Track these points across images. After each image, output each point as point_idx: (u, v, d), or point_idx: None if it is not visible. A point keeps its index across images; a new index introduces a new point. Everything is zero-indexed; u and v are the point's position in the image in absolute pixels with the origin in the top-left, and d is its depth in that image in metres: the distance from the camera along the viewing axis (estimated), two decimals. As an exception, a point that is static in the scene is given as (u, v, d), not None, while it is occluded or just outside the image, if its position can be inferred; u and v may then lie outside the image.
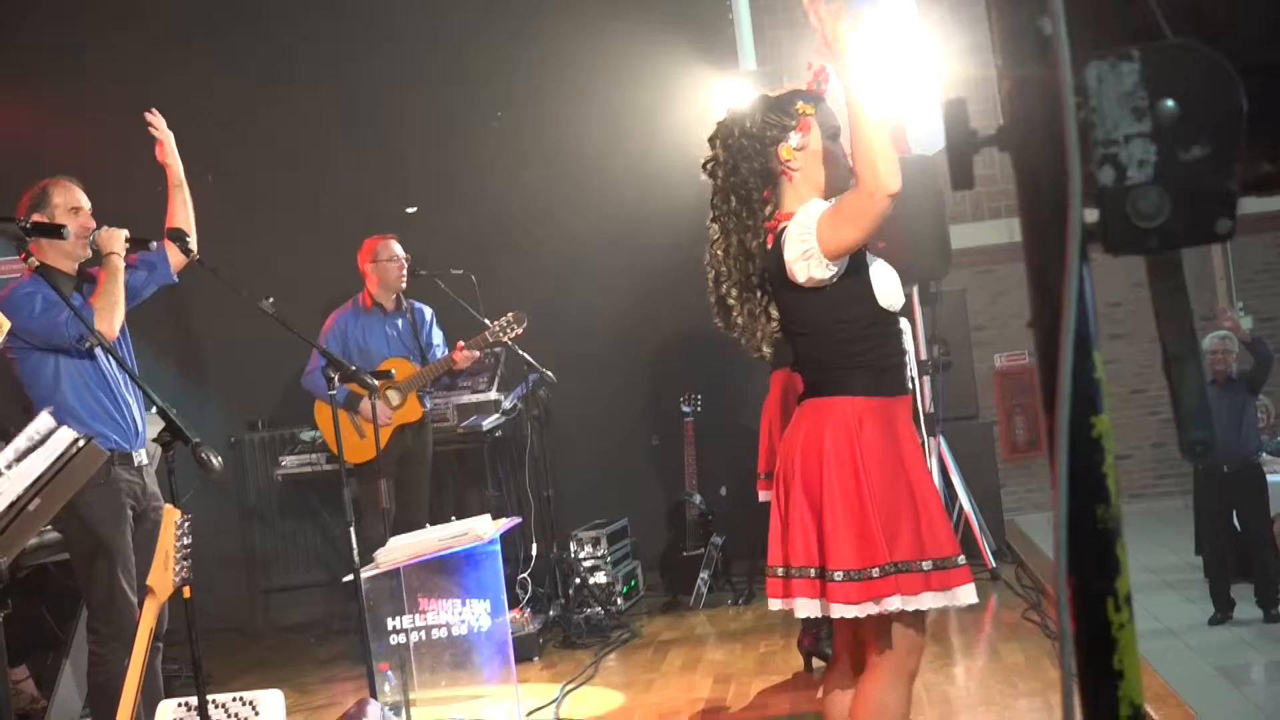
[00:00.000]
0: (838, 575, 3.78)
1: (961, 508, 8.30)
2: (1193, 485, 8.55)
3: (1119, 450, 1.43)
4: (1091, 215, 1.38)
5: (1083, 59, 1.37)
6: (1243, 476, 8.40)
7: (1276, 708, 6.57)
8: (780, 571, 3.97)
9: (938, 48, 7.93)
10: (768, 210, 3.99)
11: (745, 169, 3.97)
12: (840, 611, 3.79)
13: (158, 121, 5.69)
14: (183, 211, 6.14)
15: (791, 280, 3.88)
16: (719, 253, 4.07)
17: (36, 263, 5.53)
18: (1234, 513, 8.39)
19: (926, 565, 3.82)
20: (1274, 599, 8.10)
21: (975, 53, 8.44)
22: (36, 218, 5.62)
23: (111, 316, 5.65)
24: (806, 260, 3.81)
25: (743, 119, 4.02)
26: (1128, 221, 1.37)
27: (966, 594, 3.88)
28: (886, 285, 3.95)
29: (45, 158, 7.04)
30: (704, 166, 4.10)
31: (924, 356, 8.41)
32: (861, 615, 3.78)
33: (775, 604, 4.01)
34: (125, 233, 5.73)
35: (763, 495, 6.46)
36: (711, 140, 4.09)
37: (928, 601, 3.83)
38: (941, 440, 8.36)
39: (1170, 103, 1.36)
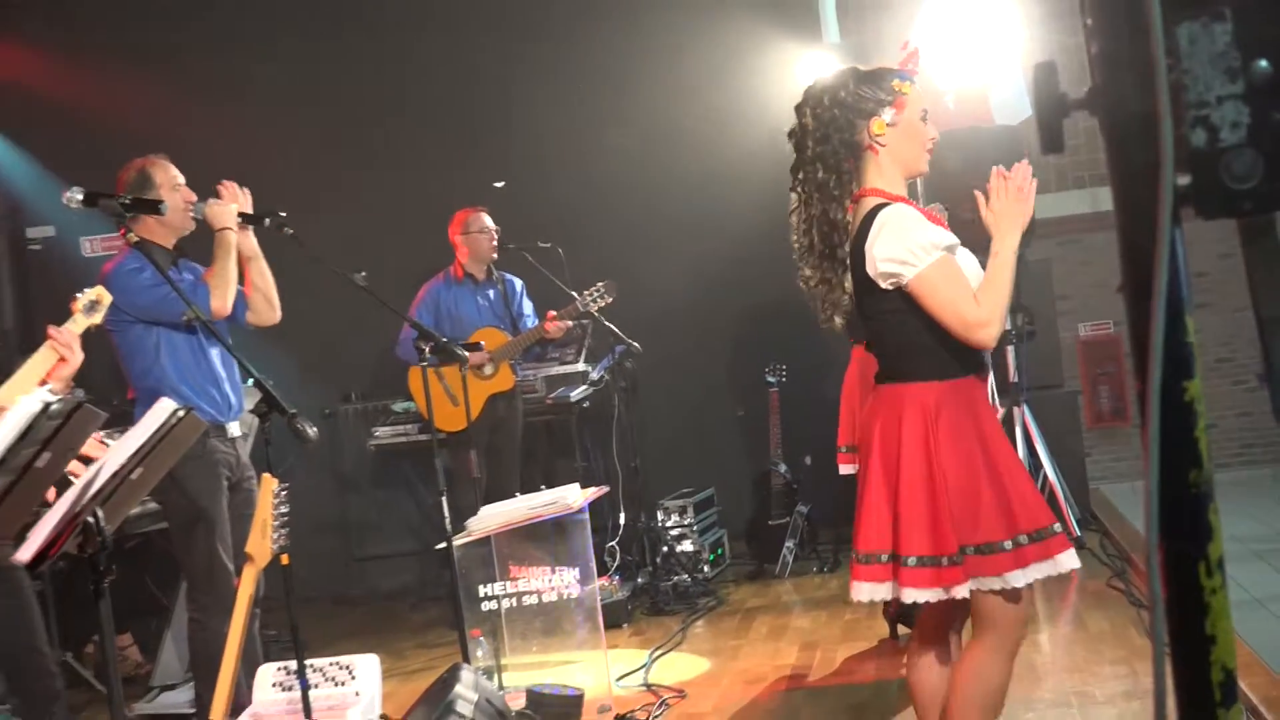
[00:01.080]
0: (910, 560, 3.80)
1: (1046, 476, 8.21)
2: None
3: (1207, 418, 1.40)
4: (1183, 179, 1.35)
5: (1174, 19, 1.34)
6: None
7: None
8: (856, 556, 3.97)
9: (1019, 15, 7.84)
10: (851, 182, 3.97)
11: (836, 139, 3.93)
12: (911, 596, 3.81)
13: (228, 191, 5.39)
14: (260, 280, 5.99)
15: (868, 268, 3.87)
16: (799, 220, 4.05)
17: (136, 238, 5.59)
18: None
19: (1023, 540, 3.78)
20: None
21: (1057, 19, 8.36)
22: (149, 196, 5.69)
23: (225, 293, 5.70)
24: (891, 273, 3.80)
25: (835, 89, 3.97)
26: (1221, 184, 1.34)
27: (1068, 559, 3.84)
28: (966, 273, 3.92)
29: (135, 139, 7.09)
30: (789, 135, 4.07)
31: (1008, 326, 8.32)
32: (932, 600, 3.80)
33: (857, 591, 3.98)
34: (235, 206, 5.75)
35: (843, 469, 6.45)
36: (799, 108, 4.04)
37: (1021, 578, 3.78)
38: (1025, 409, 8.26)
39: (1264, 63, 1.33)
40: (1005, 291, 3.82)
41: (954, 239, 3.89)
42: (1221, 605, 1.39)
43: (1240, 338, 9.78)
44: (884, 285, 3.83)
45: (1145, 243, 1.35)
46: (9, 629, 4.54)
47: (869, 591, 3.90)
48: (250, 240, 5.83)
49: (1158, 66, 1.31)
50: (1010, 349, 8.32)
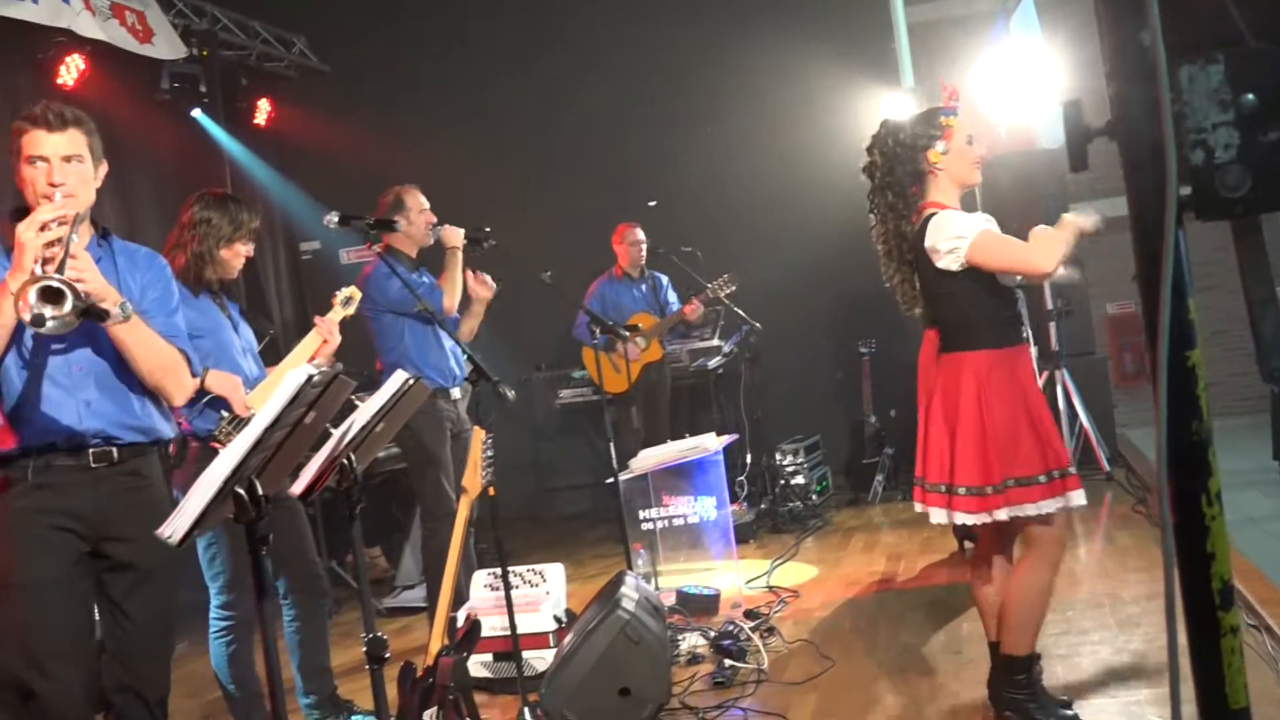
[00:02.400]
0: (961, 490, 3.80)
1: (1082, 424, 8.04)
2: (1270, 404, 8.11)
3: (1207, 379, 1.36)
4: (1185, 190, 1.31)
5: (1176, 62, 1.30)
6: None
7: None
8: (919, 481, 3.98)
9: (1056, 62, 7.65)
10: (916, 202, 3.95)
11: (900, 170, 3.95)
12: (962, 519, 3.82)
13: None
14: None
15: (931, 260, 3.84)
16: (877, 234, 4.04)
17: (382, 247, 5.72)
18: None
19: (1055, 475, 3.76)
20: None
21: (1085, 65, 8.12)
22: (397, 217, 5.80)
23: (452, 296, 5.82)
24: (949, 254, 3.79)
25: (896, 131, 3.98)
26: (1216, 193, 1.30)
27: (1078, 497, 3.80)
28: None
29: (376, 173, 7.21)
30: (864, 169, 4.05)
31: (1050, 306, 8.14)
32: (978, 523, 3.80)
33: (917, 506, 4.02)
34: (463, 231, 5.86)
35: None
36: (870, 149, 4.05)
37: (1048, 506, 3.75)
38: (1065, 373, 8.08)
39: (1250, 96, 1.29)
40: (1055, 239, 3.75)
41: (989, 218, 3.89)
42: (1219, 529, 1.35)
43: (1234, 315, 9.38)
44: (951, 267, 3.80)
45: (1155, 240, 1.31)
46: (289, 543, 4.65)
47: (936, 515, 3.90)
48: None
49: (1163, 101, 1.27)
50: (1052, 325, 8.15)
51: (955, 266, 3.80)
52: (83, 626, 3.34)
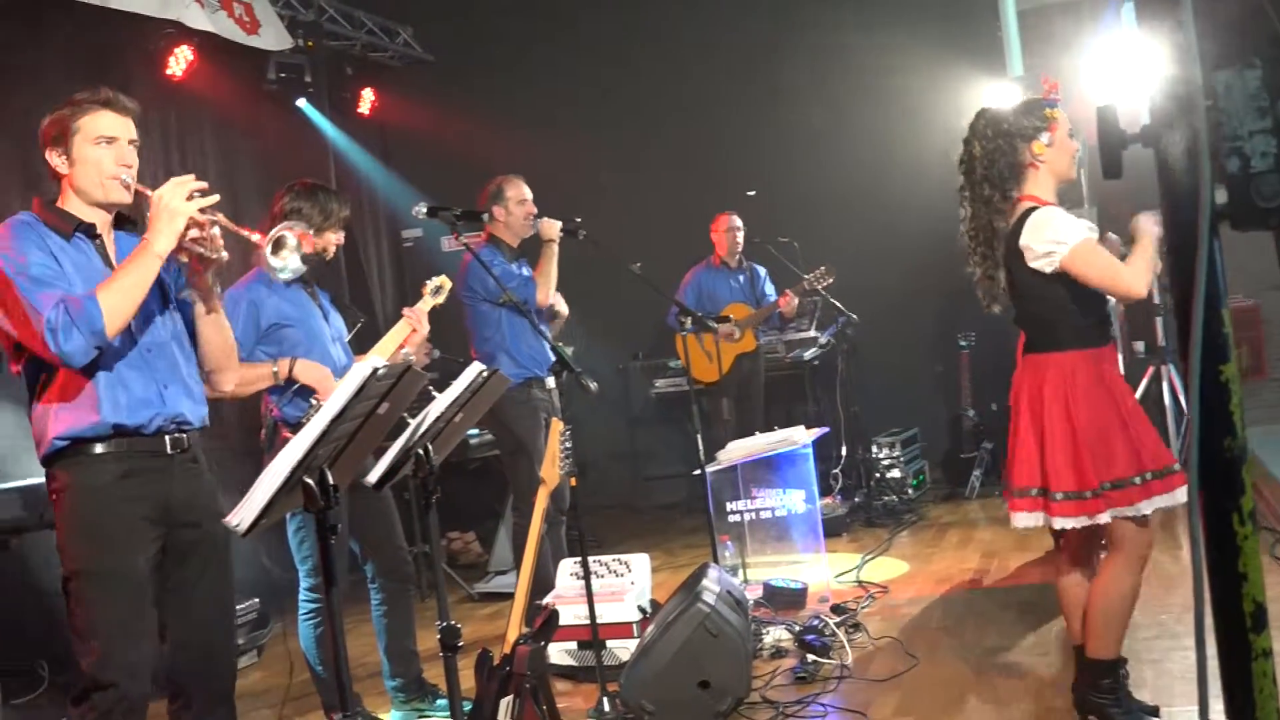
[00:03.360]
0: (1059, 496, 3.72)
1: (1188, 420, 7.83)
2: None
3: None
4: (1220, 198, 1.27)
5: (1213, 68, 1.26)
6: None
7: None
8: (1011, 489, 3.90)
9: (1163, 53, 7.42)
10: (1012, 195, 3.86)
11: (1001, 163, 3.85)
12: (1061, 524, 3.74)
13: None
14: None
15: (1023, 258, 3.76)
16: (967, 227, 3.96)
17: (485, 236, 5.87)
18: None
19: (1148, 476, 3.66)
20: None
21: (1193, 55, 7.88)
22: (495, 209, 5.88)
23: (547, 288, 5.88)
24: (1044, 256, 3.71)
25: (997, 121, 3.88)
26: (1251, 203, 1.26)
27: (1183, 494, 3.68)
28: None
29: (477, 164, 7.30)
30: (960, 162, 3.97)
31: (1155, 300, 7.93)
32: (1078, 526, 3.71)
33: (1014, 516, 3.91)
34: (560, 224, 5.90)
35: None
36: (969, 141, 3.94)
37: (1147, 507, 3.66)
38: (1171, 367, 7.87)
39: (1289, 103, 1.24)
40: (1148, 259, 3.67)
41: (1093, 226, 3.76)
42: (1252, 548, 1.31)
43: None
44: (1044, 269, 3.71)
45: (1189, 250, 1.27)
46: (377, 529, 4.75)
47: (1024, 519, 3.83)
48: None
49: (1199, 107, 1.23)
50: (1159, 319, 7.95)
51: (1048, 269, 3.71)
52: (154, 618, 3.31)
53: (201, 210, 3.12)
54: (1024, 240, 3.74)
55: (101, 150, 3.25)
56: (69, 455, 3.20)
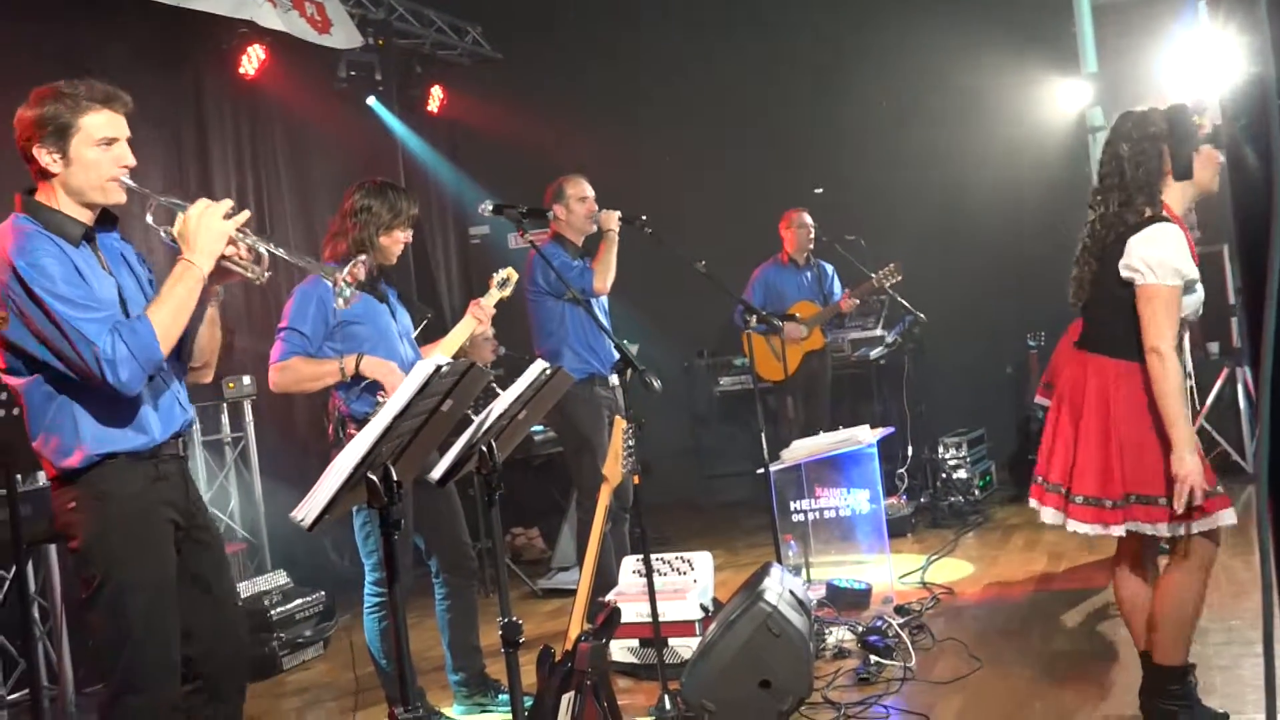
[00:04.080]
0: (1079, 499, 3.69)
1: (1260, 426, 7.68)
2: None
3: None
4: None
5: (1287, 68, 1.22)
6: None
7: None
8: (1040, 480, 3.87)
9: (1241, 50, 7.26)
10: (1159, 199, 3.67)
11: (1144, 169, 3.65)
12: (1074, 528, 3.72)
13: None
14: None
15: (1119, 259, 3.66)
16: (1090, 232, 3.82)
17: (550, 234, 5.96)
18: None
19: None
20: None
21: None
22: (556, 207, 5.95)
23: (605, 277, 5.91)
24: (1130, 270, 3.60)
25: (1145, 124, 3.68)
26: (1325, 204, 1.22)
27: (1227, 516, 3.61)
28: (1189, 304, 3.68)
29: (542, 163, 7.35)
30: (1100, 165, 3.82)
31: (1233, 300, 7.78)
32: (1091, 533, 3.69)
33: (1033, 503, 3.93)
34: (619, 214, 5.94)
35: (1038, 399, 6.50)
36: (1113, 141, 3.75)
37: (1166, 530, 3.60)
38: (1247, 370, 7.71)
39: (1365, 103, 1.20)
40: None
41: (1195, 274, 3.62)
42: (1323, 557, 1.27)
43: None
44: (1123, 274, 3.64)
45: (1260, 251, 1.24)
46: (441, 524, 4.78)
47: (1050, 516, 3.82)
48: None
49: (1271, 106, 1.20)
50: (1234, 320, 7.80)
51: (1125, 275, 3.65)
52: (178, 619, 3.25)
53: (241, 241, 3.13)
54: (1132, 242, 3.63)
55: (103, 152, 3.14)
56: (99, 465, 3.12)
